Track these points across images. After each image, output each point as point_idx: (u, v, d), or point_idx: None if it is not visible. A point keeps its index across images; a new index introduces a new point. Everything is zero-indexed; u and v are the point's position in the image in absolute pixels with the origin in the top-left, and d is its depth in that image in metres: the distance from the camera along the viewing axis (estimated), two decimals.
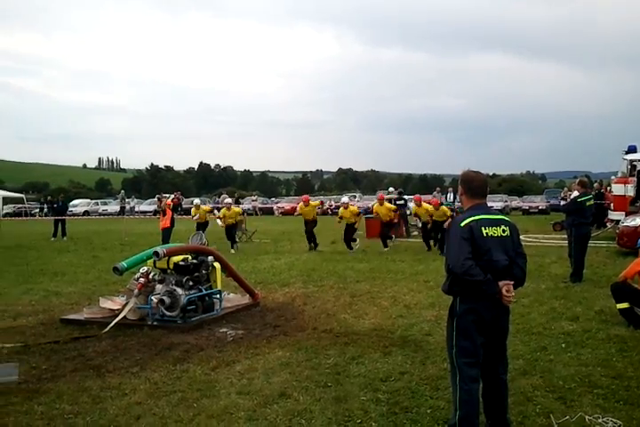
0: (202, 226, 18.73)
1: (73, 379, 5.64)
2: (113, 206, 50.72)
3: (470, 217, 3.95)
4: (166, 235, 17.28)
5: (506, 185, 71.27)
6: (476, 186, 4.11)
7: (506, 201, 43.39)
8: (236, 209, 18.80)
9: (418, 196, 18.45)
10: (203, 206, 19.70)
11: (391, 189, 28.14)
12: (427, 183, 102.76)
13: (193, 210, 19.27)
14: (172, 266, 8.14)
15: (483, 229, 3.90)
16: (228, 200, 21.23)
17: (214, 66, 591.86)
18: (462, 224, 3.91)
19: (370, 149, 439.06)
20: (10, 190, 62.79)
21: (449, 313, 4.06)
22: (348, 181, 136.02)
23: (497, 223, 3.98)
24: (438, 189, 34.44)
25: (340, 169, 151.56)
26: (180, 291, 7.95)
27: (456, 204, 25.66)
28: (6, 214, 40.25)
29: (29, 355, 6.55)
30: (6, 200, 50.45)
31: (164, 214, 17.90)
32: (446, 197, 29.94)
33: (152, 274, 8.29)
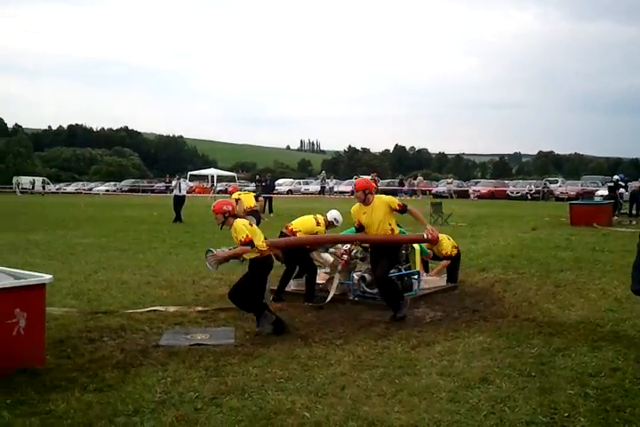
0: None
1: (282, 346, 6.03)
2: (314, 186, 52.98)
3: None
4: None
5: None
6: None
7: None
8: None
9: None
10: None
11: (616, 176, 25.55)
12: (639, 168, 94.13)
13: None
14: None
15: None
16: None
17: (403, 46, 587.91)
18: None
19: (574, 130, 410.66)
20: (222, 169, 68.12)
21: None
22: (549, 164, 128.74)
23: None
24: None
25: (540, 152, 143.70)
26: None
27: None
28: (219, 191, 43.71)
29: (243, 321, 7.11)
30: (220, 178, 54.92)
31: None
32: None
33: (354, 251, 8.57)
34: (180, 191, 22.32)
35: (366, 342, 6.19)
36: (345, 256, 8.43)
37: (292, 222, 8.56)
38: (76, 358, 5.59)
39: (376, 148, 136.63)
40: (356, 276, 8.26)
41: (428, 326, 6.87)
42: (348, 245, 8.58)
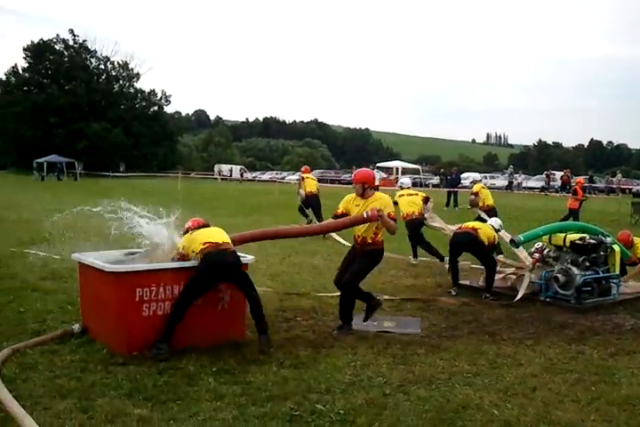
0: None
1: (470, 341, 5.98)
2: (500, 181, 51.22)
3: None
4: (574, 215, 16.88)
5: None
6: None
7: None
8: None
9: None
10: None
11: None
12: None
13: None
14: (567, 244, 7.94)
15: None
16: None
17: (600, 33, 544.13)
18: None
19: None
20: (407, 162, 68.27)
21: None
22: None
23: None
24: None
25: None
26: (575, 270, 7.73)
27: None
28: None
29: (429, 312, 7.14)
30: (404, 171, 55.12)
31: (575, 193, 17.45)
32: None
33: (547, 250, 8.21)
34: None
35: (559, 344, 5.94)
36: (537, 255, 8.11)
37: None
38: (272, 334, 5.95)
39: (569, 142, 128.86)
40: (548, 276, 7.91)
41: (629, 334, 6.42)
42: (541, 244, 8.25)
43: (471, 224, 8.54)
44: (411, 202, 10.58)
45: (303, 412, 4.18)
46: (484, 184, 13.92)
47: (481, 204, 11.64)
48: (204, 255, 5.39)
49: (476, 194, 11.94)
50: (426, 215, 10.71)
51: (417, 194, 10.91)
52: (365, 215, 5.98)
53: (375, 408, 4.27)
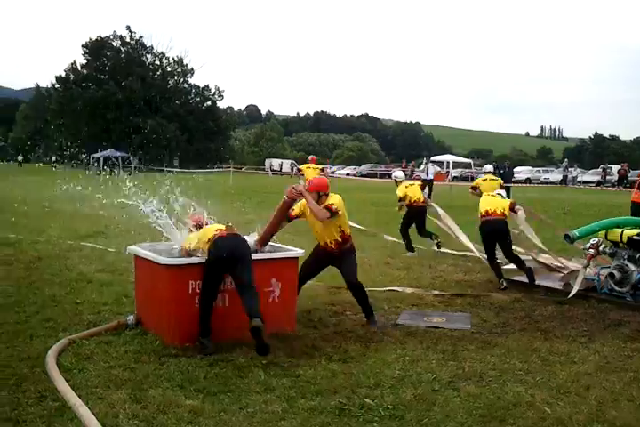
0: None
1: (521, 338, 5.88)
2: (555, 175, 50.13)
3: None
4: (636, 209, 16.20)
5: None
6: None
7: None
8: None
9: None
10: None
11: None
12: None
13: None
14: (625, 239, 7.72)
15: None
16: None
17: None
18: None
19: None
20: (458, 156, 67.42)
21: None
22: None
23: None
24: None
25: None
26: (632, 267, 7.50)
27: None
28: (454, 178, 43.38)
29: (480, 308, 7.06)
30: (455, 164, 54.43)
31: None
32: None
33: (602, 246, 8.00)
34: (427, 175, 22.36)
35: (614, 342, 5.79)
36: (592, 250, 7.91)
37: None
38: (321, 328, 5.99)
39: (626, 135, 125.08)
40: (604, 272, 7.72)
41: None
42: (596, 239, 8.04)
43: (493, 207, 8.55)
44: (415, 190, 11.25)
45: (352, 406, 4.19)
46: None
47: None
48: (213, 241, 5.29)
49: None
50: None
51: (414, 184, 11.70)
52: (285, 197, 6.02)
53: (424, 404, 4.25)
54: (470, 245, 9.77)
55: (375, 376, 4.74)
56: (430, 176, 22.65)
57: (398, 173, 12.28)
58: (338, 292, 7.47)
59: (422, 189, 11.96)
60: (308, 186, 6.25)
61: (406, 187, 11.27)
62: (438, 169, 35.92)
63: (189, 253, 5.57)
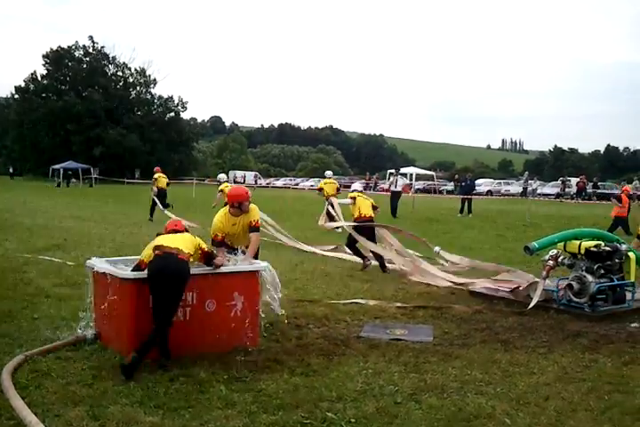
0: None
1: (482, 349, 5.93)
2: (515, 187, 51.01)
3: None
4: (620, 223, 16.31)
5: None
6: None
7: None
8: None
9: None
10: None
11: None
12: None
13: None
14: (582, 251, 7.88)
15: None
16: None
17: (620, 36, 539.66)
18: None
19: None
20: (421, 168, 68.15)
21: None
22: None
23: None
24: None
25: None
26: (590, 278, 7.66)
27: None
28: (417, 190, 43.81)
29: (441, 320, 7.11)
30: (418, 177, 55.02)
31: (620, 201, 16.76)
32: None
33: (561, 258, 8.14)
34: (396, 187, 23.14)
35: (572, 353, 5.88)
36: (551, 262, 8.05)
37: None
38: (284, 341, 5.96)
39: (585, 148, 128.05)
40: (562, 283, 7.85)
41: None
42: (555, 251, 8.18)
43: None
44: (368, 205, 11.03)
45: (314, 420, 4.17)
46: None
47: (356, 214, 11.04)
48: (149, 261, 5.19)
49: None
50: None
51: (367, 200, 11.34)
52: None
53: (386, 417, 4.26)
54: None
55: (338, 390, 4.73)
56: (399, 188, 23.16)
57: (356, 185, 12.25)
58: (301, 305, 7.46)
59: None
60: (230, 199, 6.70)
61: (358, 197, 11.12)
62: (407, 181, 36.22)
63: (139, 267, 5.42)
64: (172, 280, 5.09)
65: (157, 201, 19.27)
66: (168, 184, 20.60)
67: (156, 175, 20.35)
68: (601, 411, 4.45)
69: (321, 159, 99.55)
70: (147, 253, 5.35)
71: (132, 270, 5.45)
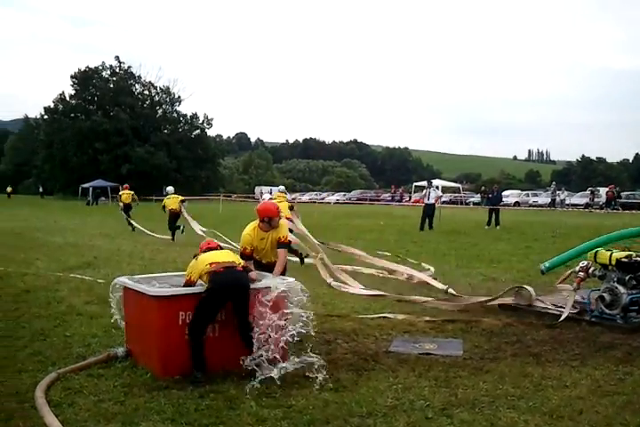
0: (172, 217, 17.74)
1: (513, 363, 5.86)
2: (543, 198, 50.45)
3: None
4: None
5: None
6: None
7: None
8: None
9: None
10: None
11: None
12: None
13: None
14: (613, 262, 7.77)
15: None
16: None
17: None
18: None
19: None
20: (446, 180, 67.91)
21: None
22: None
23: None
24: None
25: None
26: (621, 289, 7.54)
27: None
28: (444, 202, 43.54)
29: (471, 334, 7.04)
30: (444, 189, 54.81)
31: None
32: None
33: (592, 269, 8.04)
34: (429, 199, 22.70)
35: (605, 366, 5.78)
36: (582, 273, 7.95)
37: None
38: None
39: (613, 157, 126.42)
40: (594, 295, 7.75)
41: None
42: (586, 262, 8.09)
43: None
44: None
45: None
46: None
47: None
48: (210, 276, 5.33)
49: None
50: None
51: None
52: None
53: None
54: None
55: (368, 405, 4.71)
56: (432, 200, 22.81)
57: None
58: (329, 320, 7.45)
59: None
60: (261, 215, 6.61)
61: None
62: (439, 193, 36.29)
63: (190, 284, 5.55)
64: (245, 290, 5.38)
65: (125, 215, 22.26)
66: (134, 200, 23.33)
67: (120, 192, 23.74)
68: (636, 425, 4.36)
69: (346, 173, 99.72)
70: (196, 271, 5.47)
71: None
